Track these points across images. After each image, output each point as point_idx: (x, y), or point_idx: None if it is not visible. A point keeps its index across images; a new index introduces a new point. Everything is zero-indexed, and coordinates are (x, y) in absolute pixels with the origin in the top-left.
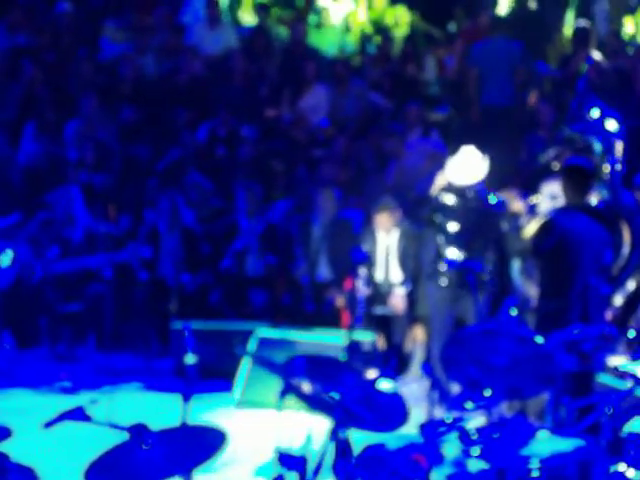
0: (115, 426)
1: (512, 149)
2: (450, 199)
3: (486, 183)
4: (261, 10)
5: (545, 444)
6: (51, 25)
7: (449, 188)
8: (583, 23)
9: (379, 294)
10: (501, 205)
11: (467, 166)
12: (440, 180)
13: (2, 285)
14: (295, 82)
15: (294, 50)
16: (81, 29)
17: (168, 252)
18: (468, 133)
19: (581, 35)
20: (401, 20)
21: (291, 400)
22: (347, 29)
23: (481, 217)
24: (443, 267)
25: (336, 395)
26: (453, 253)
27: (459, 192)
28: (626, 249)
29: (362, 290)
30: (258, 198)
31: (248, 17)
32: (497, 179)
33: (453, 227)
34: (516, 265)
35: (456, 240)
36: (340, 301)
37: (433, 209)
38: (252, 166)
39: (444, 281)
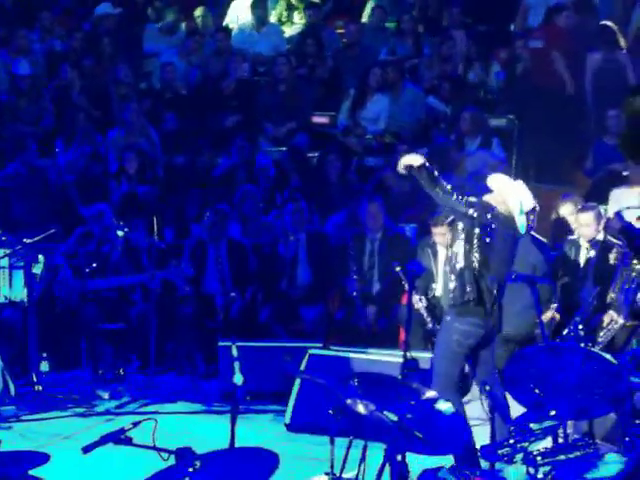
0: (159, 450)
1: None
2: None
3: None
4: (312, 10)
5: (613, 467)
6: (90, 28)
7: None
8: None
9: (438, 310)
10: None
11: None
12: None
13: (35, 294)
14: (355, 87)
15: (347, 52)
16: (121, 32)
17: (214, 267)
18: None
19: None
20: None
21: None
22: (400, 29)
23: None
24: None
25: (393, 416)
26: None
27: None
28: None
29: (419, 304)
30: (306, 211)
31: (298, 18)
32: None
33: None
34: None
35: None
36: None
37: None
38: (304, 177)
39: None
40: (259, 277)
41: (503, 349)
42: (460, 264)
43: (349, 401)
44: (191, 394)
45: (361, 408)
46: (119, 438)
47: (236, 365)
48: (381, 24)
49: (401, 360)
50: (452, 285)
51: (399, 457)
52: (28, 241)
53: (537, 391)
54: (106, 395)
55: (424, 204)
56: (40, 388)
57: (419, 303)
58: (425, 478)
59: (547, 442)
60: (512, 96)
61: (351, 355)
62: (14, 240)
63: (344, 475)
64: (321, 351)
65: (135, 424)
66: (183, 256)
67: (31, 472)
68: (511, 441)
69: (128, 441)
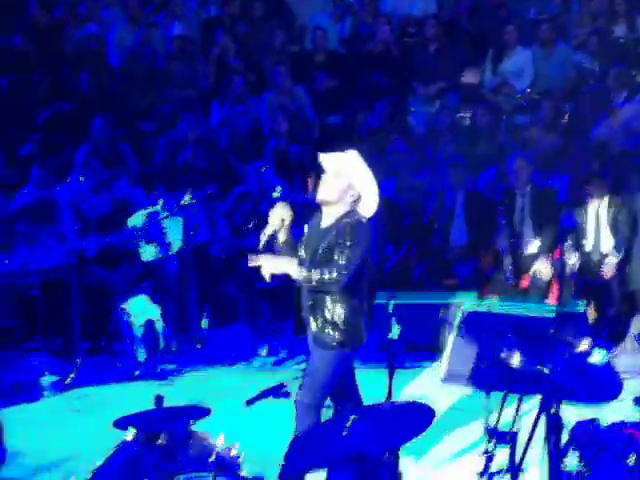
0: None
1: None
2: None
3: None
4: None
5: None
6: None
7: None
8: None
9: (590, 263)
10: None
11: None
12: None
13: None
14: (496, 45)
15: (495, 12)
16: None
17: None
18: None
19: None
20: None
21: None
22: None
23: None
24: None
25: (546, 368)
26: None
27: None
28: None
29: (572, 259)
30: (463, 168)
31: None
32: None
33: None
34: None
35: None
36: (546, 271)
37: None
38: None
39: None
40: (413, 233)
41: None
42: None
43: (504, 354)
44: None
45: (516, 361)
46: (279, 392)
47: (392, 320)
48: None
49: (554, 314)
50: None
51: (553, 409)
52: (186, 201)
53: None
54: (264, 351)
55: (574, 158)
56: (200, 345)
57: (572, 258)
58: (579, 430)
59: None
60: None
61: (503, 308)
62: (173, 199)
63: (499, 427)
64: (474, 305)
65: (295, 379)
66: None
67: (193, 426)
68: None
69: (288, 395)
